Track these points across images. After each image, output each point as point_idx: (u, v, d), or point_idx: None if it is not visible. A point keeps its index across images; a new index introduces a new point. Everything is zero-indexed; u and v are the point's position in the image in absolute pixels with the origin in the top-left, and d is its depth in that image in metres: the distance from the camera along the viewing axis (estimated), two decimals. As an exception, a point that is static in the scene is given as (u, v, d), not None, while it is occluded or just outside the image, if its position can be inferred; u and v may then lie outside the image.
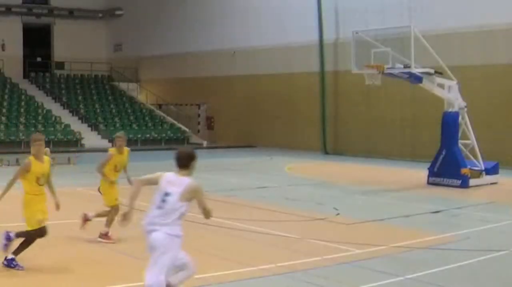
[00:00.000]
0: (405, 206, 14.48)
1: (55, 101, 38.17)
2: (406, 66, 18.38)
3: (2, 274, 8.27)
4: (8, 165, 23.25)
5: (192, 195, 6.54)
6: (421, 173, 18.80)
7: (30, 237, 8.78)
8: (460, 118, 18.84)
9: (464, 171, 17.10)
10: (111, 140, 33.89)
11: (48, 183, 9.16)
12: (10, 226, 9.85)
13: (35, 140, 9.15)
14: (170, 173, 6.78)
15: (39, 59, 43.36)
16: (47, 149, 9.69)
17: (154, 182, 6.88)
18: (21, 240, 8.80)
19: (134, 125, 36.58)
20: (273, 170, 21.83)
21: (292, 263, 9.10)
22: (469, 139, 19.04)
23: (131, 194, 7.13)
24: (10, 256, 8.60)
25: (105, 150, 14.36)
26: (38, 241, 10.52)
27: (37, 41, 43.40)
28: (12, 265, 8.47)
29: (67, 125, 34.53)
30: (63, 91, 39.43)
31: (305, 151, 30.26)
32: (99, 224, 12.09)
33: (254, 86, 34.74)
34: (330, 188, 16.68)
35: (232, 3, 36.65)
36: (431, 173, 18.76)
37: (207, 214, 6.69)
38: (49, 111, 35.76)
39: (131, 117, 37.78)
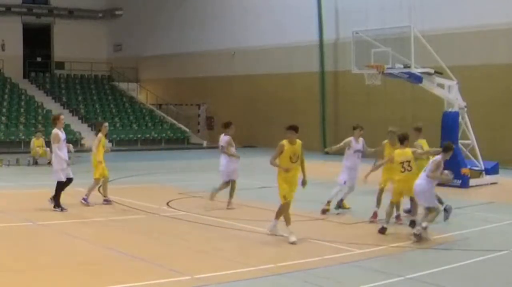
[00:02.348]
0: (405, 206, 14.46)
1: (55, 101, 38.15)
2: (406, 66, 18.39)
3: (2, 274, 8.26)
4: (8, 165, 23.26)
5: None
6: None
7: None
8: (460, 118, 18.84)
9: (464, 171, 17.12)
10: (111, 141, 33.91)
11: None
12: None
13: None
14: None
15: (39, 59, 43.36)
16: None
17: None
18: None
19: (134, 125, 36.56)
20: (273, 170, 21.78)
21: (292, 263, 9.11)
22: (469, 139, 19.04)
23: None
24: None
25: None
26: (38, 241, 10.54)
27: (37, 41, 43.39)
28: None
29: (67, 125, 34.44)
30: (63, 91, 39.42)
31: (305, 151, 30.22)
32: (98, 223, 12.10)
33: (254, 86, 34.73)
34: (330, 188, 16.65)
35: (232, 3, 36.64)
36: (431, 173, 18.74)
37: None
38: (49, 111, 35.71)
39: (131, 117, 37.76)
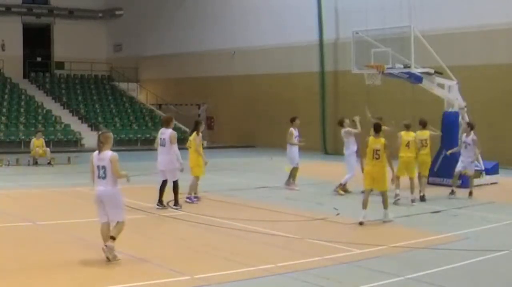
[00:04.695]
0: (405, 206, 14.49)
1: (55, 101, 38.14)
2: (406, 66, 18.38)
3: (2, 274, 8.26)
4: (8, 165, 23.26)
5: None
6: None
7: None
8: (460, 118, 18.83)
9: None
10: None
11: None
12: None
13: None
14: None
15: (39, 59, 43.34)
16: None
17: None
18: None
19: (134, 125, 36.57)
20: (273, 170, 21.84)
21: (292, 263, 9.11)
22: (469, 139, 19.02)
23: None
24: None
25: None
26: (38, 241, 10.55)
27: (37, 41, 43.37)
28: None
29: (67, 125, 34.53)
30: (63, 91, 39.41)
31: (305, 151, 30.25)
32: (98, 223, 12.09)
33: (254, 86, 34.72)
34: (330, 188, 16.69)
35: (232, 3, 36.64)
36: (431, 173, 18.73)
37: None
38: (49, 111, 35.75)
39: (131, 117, 37.77)
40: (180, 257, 9.56)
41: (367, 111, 17.24)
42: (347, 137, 16.46)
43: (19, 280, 8.09)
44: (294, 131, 17.33)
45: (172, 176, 13.71)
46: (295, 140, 17.28)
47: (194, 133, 14.97)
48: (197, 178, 14.80)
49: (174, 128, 14.18)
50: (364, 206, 12.25)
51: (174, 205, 13.77)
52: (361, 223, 12.07)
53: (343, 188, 16.27)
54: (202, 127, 15.25)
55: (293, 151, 17.32)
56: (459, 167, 16.29)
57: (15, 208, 13.86)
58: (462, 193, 16.27)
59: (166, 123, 14.00)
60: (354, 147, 16.37)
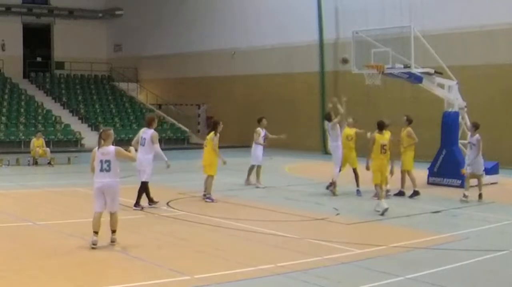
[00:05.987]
0: (405, 206, 14.49)
1: (55, 101, 38.13)
2: (406, 66, 18.38)
3: (2, 274, 8.26)
4: (8, 165, 23.27)
5: None
6: (421, 173, 18.80)
7: None
8: (460, 118, 18.84)
9: (464, 171, 17.13)
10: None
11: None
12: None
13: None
14: None
15: (39, 59, 43.34)
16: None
17: None
18: None
19: (134, 125, 36.52)
20: (273, 170, 21.85)
21: (292, 263, 9.11)
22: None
23: None
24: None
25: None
26: (38, 241, 10.55)
27: (37, 41, 43.38)
28: None
29: (67, 125, 34.52)
30: (63, 91, 39.40)
31: (305, 151, 30.28)
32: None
33: (254, 86, 34.72)
34: (330, 188, 16.68)
35: (232, 3, 36.63)
36: (431, 173, 18.76)
37: None
38: (49, 111, 35.75)
39: (131, 117, 37.76)
40: (180, 257, 9.56)
41: (343, 105, 17.29)
42: (335, 129, 16.39)
43: (18, 280, 8.09)
44: (261, 131, 18.27)
45: (145, 176, 13.60)
46: (261, 139, 18.24)
47: (212, 133, 15.08)
48: (211, 177, 14.95)
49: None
50: (382, 198, 13.35)
51: (135, 205, 13.54)
52: (386, 210, 13.06)
53: (334, 186, 16.20)
54: (221, 127, 15.22)
55: (258, 149, 18.24)
56: (468, 170, 15.92)
57: (15, 208, 13.86)
58: (461, 192, 16.28)
59: (148, 123, 13.93)
60: (340, 140, 16.42)
